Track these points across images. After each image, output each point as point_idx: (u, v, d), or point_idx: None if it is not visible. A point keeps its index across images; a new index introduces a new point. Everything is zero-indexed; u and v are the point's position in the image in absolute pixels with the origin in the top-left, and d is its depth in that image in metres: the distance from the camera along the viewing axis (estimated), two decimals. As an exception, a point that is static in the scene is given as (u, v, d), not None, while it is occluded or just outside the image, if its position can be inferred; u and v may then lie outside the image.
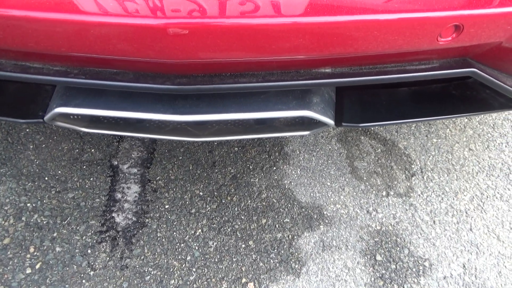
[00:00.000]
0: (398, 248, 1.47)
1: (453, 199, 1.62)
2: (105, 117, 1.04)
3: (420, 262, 1.44)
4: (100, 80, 0.86)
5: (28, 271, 1.38)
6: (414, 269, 1.42)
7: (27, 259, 1.41)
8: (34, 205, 1.55)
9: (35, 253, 1.42)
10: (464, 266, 1.43)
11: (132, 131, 1.13)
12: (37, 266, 1.39)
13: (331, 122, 1.05)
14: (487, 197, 1.63)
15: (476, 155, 1.78)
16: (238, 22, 0.75)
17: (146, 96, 0.97)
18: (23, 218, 1.51)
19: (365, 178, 1.69)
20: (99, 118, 1.05)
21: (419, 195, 1.63)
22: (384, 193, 1.64)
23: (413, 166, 1.73)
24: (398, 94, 1.25)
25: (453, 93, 1.25)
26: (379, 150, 1.79)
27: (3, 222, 1.49)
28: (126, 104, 0.96)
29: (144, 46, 0.76)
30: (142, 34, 0.74)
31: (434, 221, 1.55)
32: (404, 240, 1.49)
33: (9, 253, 1.41)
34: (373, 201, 1.61)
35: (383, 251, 1.46)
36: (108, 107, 0.96)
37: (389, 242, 1.49)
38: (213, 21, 0.74)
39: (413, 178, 1.69)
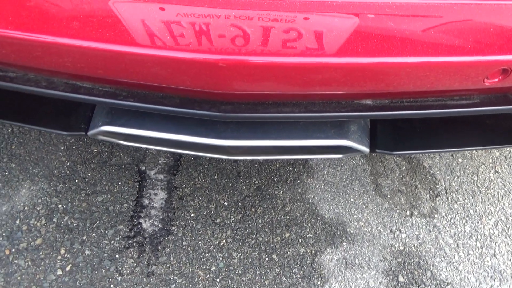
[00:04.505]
0: (421, 270, 1.48)
1: (478, 222, 1.62)
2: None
3: (442, 286, 1.45)
4: (148, 104, 0.89)
5: (59, 272, 1.43)
6: (436, 293, 1.43)
7: (58, 261, 1.45)
8: (64, 206, 1.60)
9: (66, 255, 1.47)
10: (486, 292, 1.44)
11: (168, 146, 1.16)
12: (68, 268, 1.44)
13: (366, 150, 1.06)
14: (512, 222, 1.62)
15: (502, 177, 1.77)
16: (283, 61, 0.77)
17: (189, 118, 1.00)
18: (54, 220, 1.56)
19: (389, 196, 1.69)
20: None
21: (443, 217, 1.63)
22: (408, 213, 1.64)
23: (437, 186, 1.73)
24: (432, 120, 1.25)
25: (488, 123, 1.24)
26: (404, 168, 1.79)
27: (35, 223, 1.54)
28: (170, 126, 0.99)
29: (196, 78, 0.78)
30: (196, 68, 0.76)
31: (457, 244, 1.55)
32: (427, 262, 1.50)
33: (41, 253, 1.46)
34: (396, 220, 1.62)
35: (405, 273, 1.47)
36: (153, 128, 0.99)
37: (412, 264, 1.49)
38: (263, 59, 0.76)
39: (437, 199, 1.69)
